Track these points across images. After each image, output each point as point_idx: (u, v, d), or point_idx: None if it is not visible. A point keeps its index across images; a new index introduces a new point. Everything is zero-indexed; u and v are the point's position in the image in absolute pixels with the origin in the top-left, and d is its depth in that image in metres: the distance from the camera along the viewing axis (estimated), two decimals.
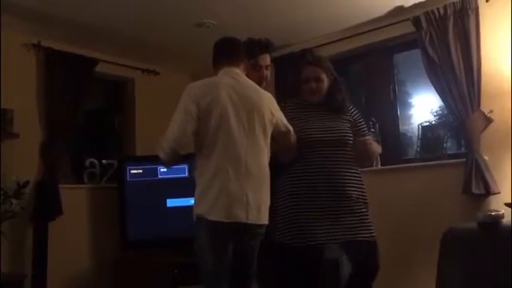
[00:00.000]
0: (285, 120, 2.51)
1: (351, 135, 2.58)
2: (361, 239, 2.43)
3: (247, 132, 2.33)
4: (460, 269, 1.50)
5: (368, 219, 2.48)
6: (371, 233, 2.46)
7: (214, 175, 2.28)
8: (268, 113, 2.43)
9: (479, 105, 3.44)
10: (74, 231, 4.17)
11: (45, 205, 3.87)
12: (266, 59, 2.82)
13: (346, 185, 2.48)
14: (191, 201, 4.13)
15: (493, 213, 1.55)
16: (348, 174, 2.51)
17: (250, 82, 2.51)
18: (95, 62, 4.34)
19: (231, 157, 2.29)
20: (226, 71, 2.49)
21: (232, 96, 2.35)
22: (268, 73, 2.83)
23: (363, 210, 2.50)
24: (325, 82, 2.62)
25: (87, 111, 4.62)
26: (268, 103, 2.48)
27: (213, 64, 2.57)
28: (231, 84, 2.40)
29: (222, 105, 2.32)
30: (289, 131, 2.51)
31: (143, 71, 4.89)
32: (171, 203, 4.18)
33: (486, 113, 3.41)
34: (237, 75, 2.47)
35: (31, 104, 4.02)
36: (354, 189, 2.51)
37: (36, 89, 4.06)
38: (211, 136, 2.31)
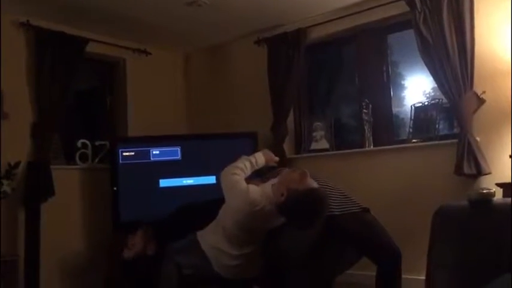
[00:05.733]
0: None
1: None
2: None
3: None
4: (450, 246, 1.51)
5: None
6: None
7: None
8: None
9: (472, 86, 3.44)
10: (66, 212, 4.17)
11: (37, 186, 3.84)
12: None
13: None
14: (184, 181, 4.22)
15: (484, 191, 1.56)
16: None
17: None
18: (85, 41, 4.28)
19: None
20: None
21: None
22: None
23: None
24: None
25: (79, 91, 4.58)
26: None
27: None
28: None
29: None
30: None
31: (134, 50, 4.83)
32: (164, 183, 4.18)
33: (479, 94, 3.41)
34: None
35: (21, 84, 3.96)
36: None
37: (25, 68, 4.00)
38: None
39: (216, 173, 4.15)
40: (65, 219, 4.15)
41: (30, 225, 3.81)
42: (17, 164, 3.69)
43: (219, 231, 2.58)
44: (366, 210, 2.67)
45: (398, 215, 3.69)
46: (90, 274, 4.14)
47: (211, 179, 4.22)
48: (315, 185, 2.42)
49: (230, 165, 2.57)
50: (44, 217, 3.88)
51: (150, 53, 4.93)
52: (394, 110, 4.19)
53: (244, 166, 2.56)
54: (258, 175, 2.72)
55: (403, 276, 2.65)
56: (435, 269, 1.57)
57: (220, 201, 2.67)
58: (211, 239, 2.60)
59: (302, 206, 2.32)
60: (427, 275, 1.59)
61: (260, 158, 2.67)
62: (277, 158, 2.84)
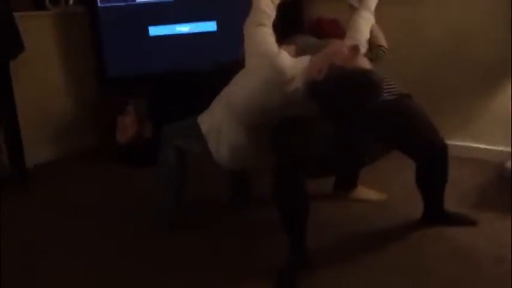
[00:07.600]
0: None
1: None
2: None
3: None
4: None
5: None
6: None
7: None
8: None
9: None
10: (44, 68, 3.69)
11: (1, 40, 3.20)
12: None
13: None
14: (177, 28, 3.64)
15: None
16: None
17: None
18: None
19: None
20: None
21: None
22: None
23: None
24: None
25: None
26: None
27: None
28: None
29: None
30: None
31: None
32: (154, 31, 3.68)
33: None
34: None
35: None
36: None
37: None
38: None
39: (217, 17, 3.64)
40: (43, 78, 3.67)
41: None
42: None
43: (223, 104, 2.12)
44: (406, 96, 2.19)
45: (440, 68, 3.27)
46: (80, 134, 3.88)
47: (211, 26, 3.68)
48: (368, 66, 1.87)
49: (252, 11, 1.98)
50: (17, 76, 3.34)
51: None
52: None
53: (266, 6, 1.96)
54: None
55: None
56: None
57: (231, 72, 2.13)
58: (213, 117, 2.17)
59: (343, 89, 1.73)
60: None
61: None
62: None
